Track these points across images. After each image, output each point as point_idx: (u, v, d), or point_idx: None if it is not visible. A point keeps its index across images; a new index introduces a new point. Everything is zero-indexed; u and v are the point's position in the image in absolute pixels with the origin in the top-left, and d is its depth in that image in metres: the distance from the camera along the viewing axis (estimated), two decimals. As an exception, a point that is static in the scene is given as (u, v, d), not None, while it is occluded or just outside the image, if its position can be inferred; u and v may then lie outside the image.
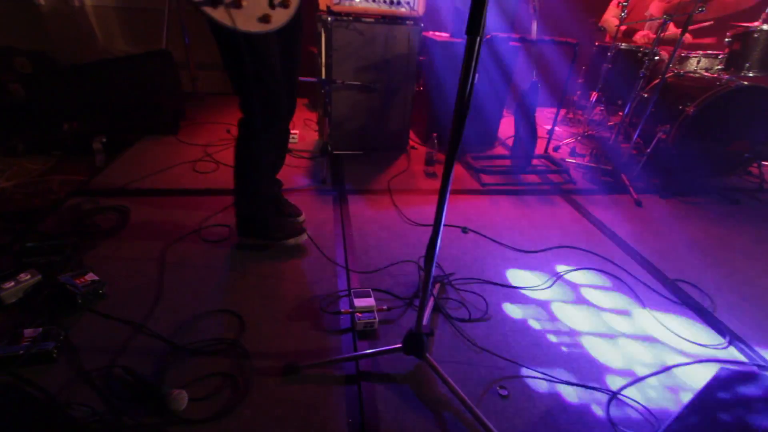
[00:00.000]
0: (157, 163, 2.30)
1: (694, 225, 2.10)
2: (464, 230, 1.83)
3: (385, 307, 1.30)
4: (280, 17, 1.21)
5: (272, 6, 1.18)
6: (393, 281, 1.48)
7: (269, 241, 1.60)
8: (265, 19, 1.16)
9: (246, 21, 1.13)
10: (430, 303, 1.33)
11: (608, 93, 2.92)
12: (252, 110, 1.31)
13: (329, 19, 2.15)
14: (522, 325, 1.33)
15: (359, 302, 1.24)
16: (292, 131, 2.72)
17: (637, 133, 2.47)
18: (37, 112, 2.48)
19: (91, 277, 1.29)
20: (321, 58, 2.31)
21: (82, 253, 1.49)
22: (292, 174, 2.28)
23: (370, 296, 1.28)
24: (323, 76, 2.33)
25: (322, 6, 2.21)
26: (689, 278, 1.64)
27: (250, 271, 1.48)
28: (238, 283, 1.42)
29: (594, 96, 2.97)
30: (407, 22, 2.30)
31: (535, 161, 2.67)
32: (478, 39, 0.70)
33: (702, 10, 2.32)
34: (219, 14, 1.08)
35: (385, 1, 2.24)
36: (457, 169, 2.51)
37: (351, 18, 2.19)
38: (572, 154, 2.86)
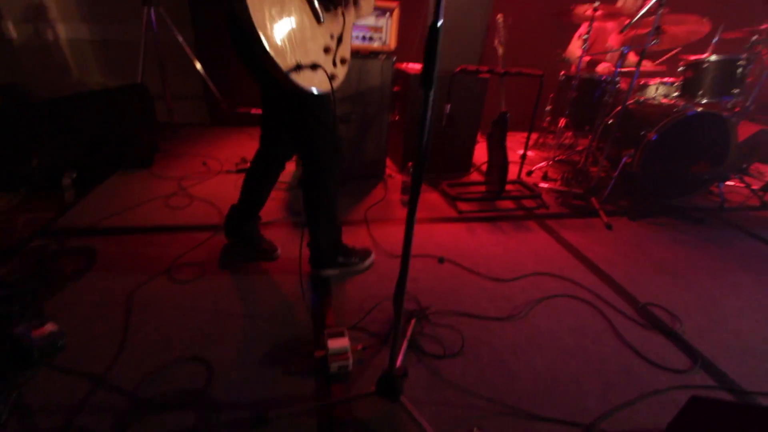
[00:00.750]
0: (129, 198, 2.25)
1: (662, 246, 2.17)
2: (440, 260, 1.84)
3: (360, 347, 1.28)
4: (342, 73, 1.32)
5: (335, 64, 1.28)
6: (369, 318, 1.46)
7: (345, 268, 1.68)
8: (333, 77, 1.25)
9: (321, 82, 1.19)
10: (406, 340, 1.31)
11: (575, 119, 3.05)
12: (321, 156, 1.40)
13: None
14: (499, 359, 1.32)
15: (333, 343, 1.22)
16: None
17: (604, 157, 2.57)
18: (5, 147, 2.41)
19: (50, 327, 1.22)
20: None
21: (43, 299, 1.43)
22: (269, 206, 2.26)
23: (344, 336, 1.26)
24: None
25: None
26: (659, 301, 1.68)
27: (222, 311, 1.44)
28: (208, 326, 1.37)
29: (562, 122, 3.10)
30: (380, 56, 2.37)
31: (509, 187, 2.74)
32: (432, 92, 0.72)
33: (656, 42, 2.48)
34: (302, 79, 1.12)
35: (357, 38, 2.31)
36: (434, 198, 2.55)
37: (324, 54, 2.23)
38: (545, 178, 2.95)
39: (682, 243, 2.22)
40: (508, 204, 2.51)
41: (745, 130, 3.48)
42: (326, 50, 1.23)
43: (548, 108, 3.40)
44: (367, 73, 2.38)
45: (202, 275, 1.64)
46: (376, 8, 2.28)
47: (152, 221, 2.04)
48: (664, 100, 2.79)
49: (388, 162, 2.80)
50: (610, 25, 3.29)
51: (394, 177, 2.82)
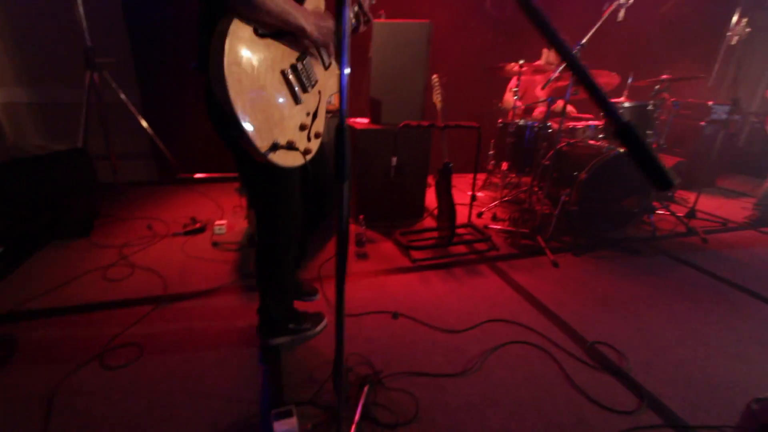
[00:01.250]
0: (61, 273, 2.09)
1: (605, 280, 2.28)
2: (395, 316, 1.83)
3: (309, 426, 1.21)
4: (316, 146, 1.34)
5: (309, 139, 1.30)
6: (321, 388, 1.40)
7: (296, 335, 1.63)
8: (306, 152, 1.26)
9: (294, 158, 1.22)
10: (358, 411, 1.26)
11: (516, 162, 3.26)
12: (281, 228, 1.39)
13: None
14: (455, 421, 1.29)
15: (279, 427, 1.15)
16: (219, 222, 2.66)
17: (545, 197, 2.74)
18: None
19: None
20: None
21: (-56, 408, 1.25)
22: (218, 269, 2.19)
23: (292, 416, 1.19)
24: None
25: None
26: (606, 338, 1.75)
27: (160, 398, 1.33)
28: (144, 417, 1.25)
29: (505, 165, 3.30)
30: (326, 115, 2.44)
31: (461, 230, 2.83)
32: (347, 183, 0.75)
33: (576, 93, 2.75)
34: (276, 157, 1.14)
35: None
36: (388, 247, 2.57)
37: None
38: (494, 219, 3.08)
39: (622, 276, 2.35)
40: (460, 248, 2.58)
41: (665, 163, 3.86)
42: (302, 127, 1.25)
43: (491, 152, 3.62)
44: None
45: (139, 357, 1.52)
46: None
47: (85, 298, 1.89)
48: (592, 142, 3.07)
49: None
50: (538, 77, 3.64)
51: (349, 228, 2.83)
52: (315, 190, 1.53)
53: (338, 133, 0.71)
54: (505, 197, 3.35)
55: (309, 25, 1.16)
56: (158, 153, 3.42)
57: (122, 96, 3.12)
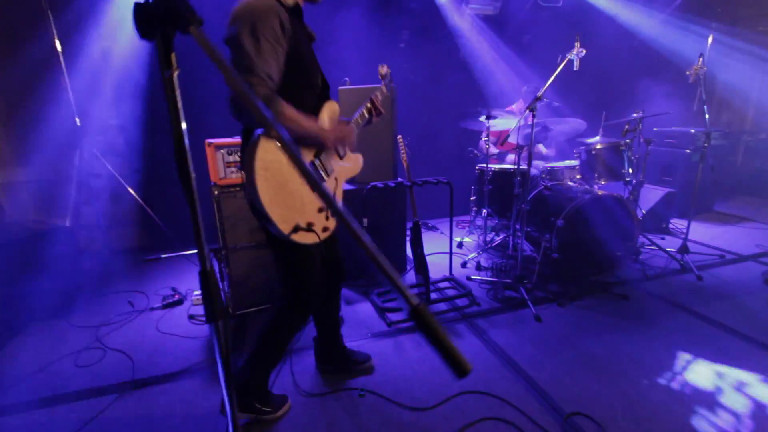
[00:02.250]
0: (35, 360, 2.08)
1: (589, 334, 2.18)
2: (360, 394, 1.75)
3: None
4: (333, 224, 1.48)
5: (327, 218, 1.45)
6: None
7: (258, 415, 1.59)
8: (324, 229, 1.44)
9: (314, 237, 1.37)
10: None
11: (496, 208, 3.24)
12: (298, 298, 1.49)
13: (216, 192, 2.29)
14: None
15: None
16: (197, 292, 2.66)
17: (526, 242, 2.68)
18: None
19: None
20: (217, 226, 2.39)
21: None
22: (190, 347, 2.16)
23: None
24: (220, 243, 2.38)
25: (213, 179, 2.36)
26: (586, 407, 1.63)
27: None
28: None
29: (485, 212, 3.28)
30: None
31: (443, 284, 2.77)
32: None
33: (546, 138, 2.77)
34: (299, 237, 1.32)
35: (233, 172, 2.43)
36: (365, 309, 2.52)
37: (238, 189, 2.34)
38: (478, 268, 3.02)
39: (608, 327, 2.24)
40: (440, 306, 2.51)
41: (653, 195, 3.80)
42: (321, 210, 1.42)
43: (473, 198, 3.61)
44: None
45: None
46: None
47: (53, 388, 1.87)
48: (572, 183, 3.04)
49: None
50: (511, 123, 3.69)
51: (329, 289, 2.79)
52: (332, 260, 1.71)
53: (202, 278, 0.70)
54: (488, 246, 3.30)
55: (323, 138, 1.34)
56: (149, 223, 3.50)
57: (109, 167, 3.25)
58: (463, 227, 3.99)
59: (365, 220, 2.48)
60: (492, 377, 1.85)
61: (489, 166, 3.16)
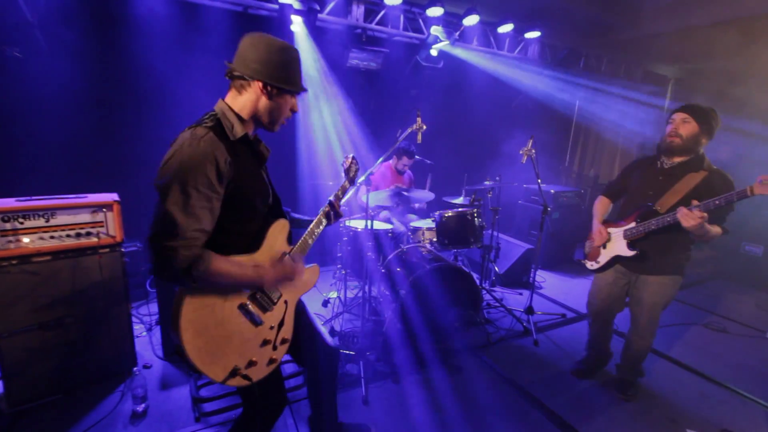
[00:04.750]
0: None
1: (419, 410, 2.13)
2: None
3: None
4: (282, 353, 1.38)
5: (275, 348, 1.34)
6: None
7: None
8: (272, 361, 1.34)
9: (257, 373, 1.30)
10: None
11: (356, 267, 3.17)
12: (255, 413, 1.43)
13: (-20, 267, 1.89)
14: None
15: None
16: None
17: (367, 310, 2.61)
18: None
19: None
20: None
21: None
22: None
23: None
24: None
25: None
26: None
27: None
28: None
29: (343, 272, 3.20)
30: (101, 250, 2.17)
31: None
32: None
33: (398, 203, 2.76)
34: (236, 381, 1.24)
35: (69, 235, 2.10)
36: (184, 396, 2.23)
37: (16, 262, 1.96)
38: (332, 334, 2.89)
39: (438, 408, 2.21)
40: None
41: (515, 251, 4.04)
42: (264, 343, 1.30)
43: (339, 255, 3.53)
44: (86, 270, 2.14)
45: None
46: (90, 205, 2.14)
47: None
48: (428, 247, 3.08)
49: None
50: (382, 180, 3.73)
51: (152, 366, 2.46)
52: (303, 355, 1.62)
53: None
54: (349, 307, 3.20)
55: (261, 282, 1.27)
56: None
57: None
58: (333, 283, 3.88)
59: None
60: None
61: (348, 224, 3.10)
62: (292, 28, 3.58)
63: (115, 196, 2.25)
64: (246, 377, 1.24)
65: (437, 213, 3.08)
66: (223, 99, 1.26)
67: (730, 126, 6.42)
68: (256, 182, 1.30)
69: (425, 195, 3.07)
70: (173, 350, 2.48)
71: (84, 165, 3.17)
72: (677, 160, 2.08)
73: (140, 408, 2.08)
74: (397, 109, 4.59)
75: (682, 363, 2.80)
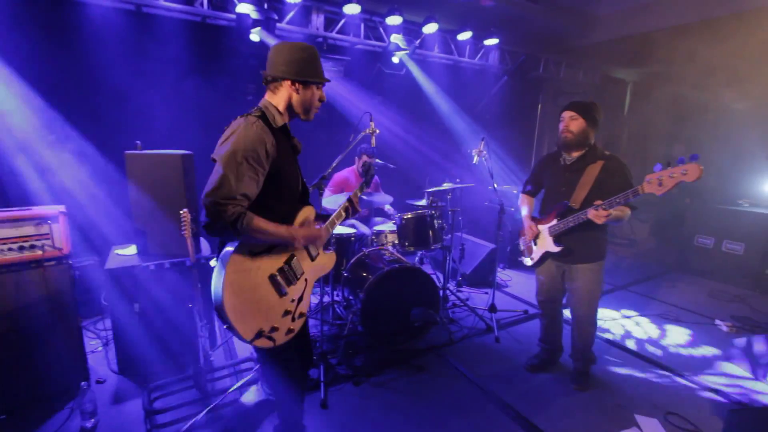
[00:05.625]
0: None
1: (380, 414, 2.14)
2: None
3: None
4: (299, 325, 1.62)
5: (294, 320, 1.58)
6: None
7: None
8: (289, 331, 1.58)
9: (278, 338, 1.55)
10: None
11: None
12: (280, 384, 1.71)
13: None
14: None
15: None
16: None
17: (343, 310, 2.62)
18: None
19: None
20: None
21: None
22: None
23: None
24: None
25: None
26: None
27: None
28: None
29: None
30: (46, 263, 2.12)
31: (244, 365, 2.56)
32: None
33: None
34: (261, 342, 1.47)
35: (11, 249, 2.05)
36: (136, 411, 2.18)
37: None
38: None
39: (398, 409, 2.23)
40: (226, 398, 2.28)
41: (480, 251, 4.13)
42: (286, 313, 1.53)
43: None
44: (30, 284, 2.08)
45: None
46: (34, 217, 2.10)
47: None
48: (390, 249, 3.12)
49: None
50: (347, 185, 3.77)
51: (105, 381, 2.40)
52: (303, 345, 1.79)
53: None
54: (313, 311, 3.20)
55: (293, 239, 1.47)
56: None
57: None
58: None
59: (137, 306, 2.20)
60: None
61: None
62: (252, 38, 3.61)
63: (61, 208, 2.20)
64: (270, 338, 1.46)
65: (398, 216, 3.13)
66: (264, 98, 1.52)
67: (685, 128, 6.79)
68: (292, 167, 1.56)
69: (383, 198, 3.12)
70: (126, 365, 2.43)
71: (31, 175, 3.09)
72: (575, 154, 2.26)
73: (89, 424, 2.02)
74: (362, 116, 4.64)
75: (635, 352, 2.92)
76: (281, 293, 1.49)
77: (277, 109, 1.49)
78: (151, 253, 2.56)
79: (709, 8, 4.86)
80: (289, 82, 1.47)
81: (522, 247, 2.57)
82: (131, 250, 2.65)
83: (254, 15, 3.43)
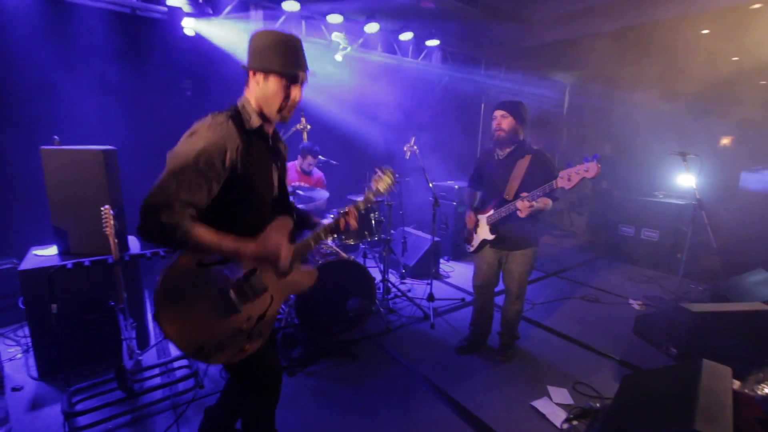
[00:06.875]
0: None
1: (314, 402, 2.20)
2: None
3: None
4: (254, 346, 1.39)
5: (251, 337, 1.37)
6: None
7: None
8: (241, 351, 1.37)
9: (230, 357, 1.35)
10: None
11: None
12: (249, 392, 1.56)
13: None
14: None
15: None
16: None
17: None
18: None
19: None
20: None
21: None
22: None
23: None
24: None
25: None
26: None
27: None
28: None
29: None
30: None
31: (177, 363, 2.53)
32: None
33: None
34: (201, 356, 1.29)
35: None
36: (55, 415, 2.11)
37: None
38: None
39: (327, 396, 2.30)
40: (155, 394, 2.26)
41: (423, 244, 4.29)
42: (238, 331, 1.32)
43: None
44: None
45: None
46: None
47: None
48: (329, 243, 3.19)
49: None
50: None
51: (23, 388, 2.29)
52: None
53: None
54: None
55: (240, 256, 1.23)
56: None
57: None
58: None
59: (54, 307, 2.12)
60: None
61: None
62: (186, 32, 3.53)
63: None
64: (209, 358, 1.27)
65: (335, 210, 3.20)
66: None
67: (615, 128, 7.35)
68: (264, 173, 1.38)
69: (320, 194, 3.19)
70: (46, 370, 2.34)
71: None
72: (507, 150, 2.45)
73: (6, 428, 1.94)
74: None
75: (554, 330, 3.18)
76: (233, 310, 1.29)
77: (254, 108, 1.33)
78: (73, 252, 2.48)
79: (630, 17, 5.32)
80: (251, 73, 1.31)
81: (465, 235, 2.75)
82: (52, 250, 2.54)
83: (186, 8, 3.36)
